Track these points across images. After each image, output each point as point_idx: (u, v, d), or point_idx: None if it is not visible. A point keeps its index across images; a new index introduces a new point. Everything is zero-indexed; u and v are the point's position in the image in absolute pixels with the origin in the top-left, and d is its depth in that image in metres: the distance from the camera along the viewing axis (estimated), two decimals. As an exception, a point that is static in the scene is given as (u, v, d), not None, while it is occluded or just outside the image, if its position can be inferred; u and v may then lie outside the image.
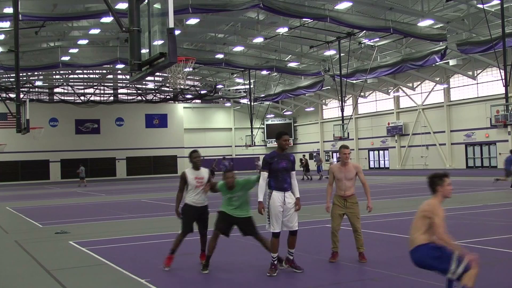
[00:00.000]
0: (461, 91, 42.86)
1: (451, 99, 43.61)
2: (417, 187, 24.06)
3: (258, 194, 7.19)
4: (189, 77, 46.93)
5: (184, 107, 60.22)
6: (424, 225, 5.37)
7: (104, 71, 49.95)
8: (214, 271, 7.68)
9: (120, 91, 55.91)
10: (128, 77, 45.70)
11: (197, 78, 55.29)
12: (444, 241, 5.24)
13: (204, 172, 8.03)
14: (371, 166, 52.25)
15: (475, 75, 40.70)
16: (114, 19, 9.06)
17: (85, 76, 51.79)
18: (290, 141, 7.57)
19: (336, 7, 30.43)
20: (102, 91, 54.28)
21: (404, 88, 47.65)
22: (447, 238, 5.20)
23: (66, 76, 50.74)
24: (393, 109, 49.03)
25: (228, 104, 62.70)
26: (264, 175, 7.21)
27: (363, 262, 7.85)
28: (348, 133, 42.72)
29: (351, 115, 47.29)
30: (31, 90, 50.38)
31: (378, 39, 37.72)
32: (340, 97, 40.09)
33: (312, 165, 45.28)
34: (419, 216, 5.42)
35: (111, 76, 52.99)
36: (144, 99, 54.39)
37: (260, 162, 38.11)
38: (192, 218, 7.91)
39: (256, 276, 7.41)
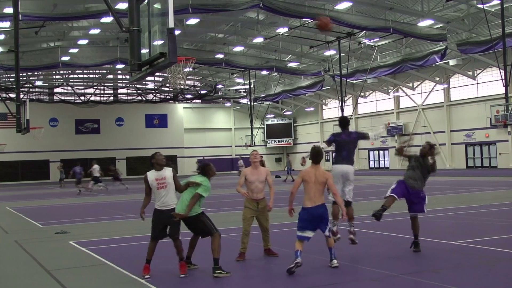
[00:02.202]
0: (461, 91, 42.86)
1: (451, 99, 43.62)
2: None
3: None
4: (189, 77, 46.92)
5: (184, 107, 60.21)
6: (323, 189, 7.38)
7: (104, 71, 49.95)
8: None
9: (120, 91, 55.89)
10: (128, 77, 45.70)
11: (197, 78, 55.29)
12: (337, 195, 7.73)
13: (167, 171, 7.53)
14: (371, 166, 52.25)
15: (475, 75, 40.71)
16: (114, 19, 9.06)
17: (85, 76, 51.79)
18: None
19: (336, 7, 30.45)
20: (102, 91, 54.26)
21: (404, 88, 47.66)
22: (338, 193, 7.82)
23: (66, 76, 50.74)
24: (393, 109, 49.04)
25: (228, 104, 62.70)
26: None
27: (275, 256, 8.34)
28: (348, 133, 42.66)
29: (351, 115, 47.30)
30: (31, 90, 50.34)
31: (378, 39, 37.73)
32: (340, 97, 40.08)
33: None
34: (320, 182, 7.34)
35: (111, 76, 52.98)
36: (144, 99, 54.36)
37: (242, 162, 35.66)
38: (159, 223, 7.45)
39: (256, 275, 7.42)
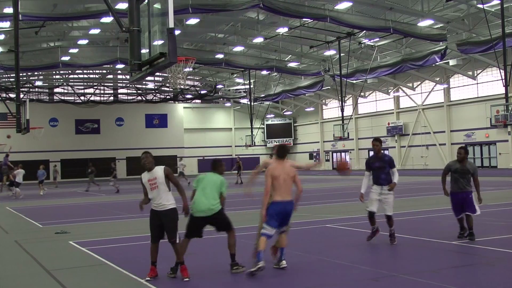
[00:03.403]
0: (461, 91, 42.86)
1: (451, 99, 43.61)
2: (417, 187, 24.03)
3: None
4: (189, 77, 46.93)
5: (184, 107, 60.22)
6: (292, 184, 7.32)
7: (104, 71, 49.94)
8: (212, 271, 7.68)
9: (120, 91, 55.92)
10: (128, 77, 45.70)
11: (197, 78, 55.29)
12: (301, 192, 7.44)
13: (158, 171, 7.33)
14: (371, 166, 52.23)
15: (475, 75, 40.70)
16: (114, 19, 9.07)
17: (85, 76, 51.79)
18: (379, 146, 9.74)
19: (336, 7, 30.43)
20: (102, 91, 54.28)
21: (404, 88, 47.65)
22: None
23: (66, 76, 50.74)
24: (393, 109, 49.03)
25: (228, 104, 62.70)
26: (366, 173, 9.42)
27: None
28: (348, 133, 42.72)
29: (351, 115, 47.29)
30: (31, 90, 50.36)
31: (378, 39, 37.73)
32: (340, 97, 40.09)
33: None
34: (290, 176, 7.32)
35: (111, 76, 52.98)
36: (144, 99, 54.38)
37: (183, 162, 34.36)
38: (154, 224, 7.31)
39: (256, 275, 7.40)
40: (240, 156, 60.49)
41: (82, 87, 52.47)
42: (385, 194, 9.20)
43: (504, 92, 29.77)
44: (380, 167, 9.29)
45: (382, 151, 9.76)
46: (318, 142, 58.69)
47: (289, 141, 62.48)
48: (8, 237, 12.25)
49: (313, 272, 7.36)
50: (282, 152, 7.57)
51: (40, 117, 47.79)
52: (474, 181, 9.49)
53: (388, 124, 49.01)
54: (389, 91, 49.04)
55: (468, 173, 9.41)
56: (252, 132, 51.26)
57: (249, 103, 50.52)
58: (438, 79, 43.79)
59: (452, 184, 9.54)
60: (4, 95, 44.39)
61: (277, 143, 8.24)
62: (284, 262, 7.47)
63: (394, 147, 48.71)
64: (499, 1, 28.18)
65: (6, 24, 29.18)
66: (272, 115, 63.43)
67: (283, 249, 7.50)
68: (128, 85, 52.95)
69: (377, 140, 9.58)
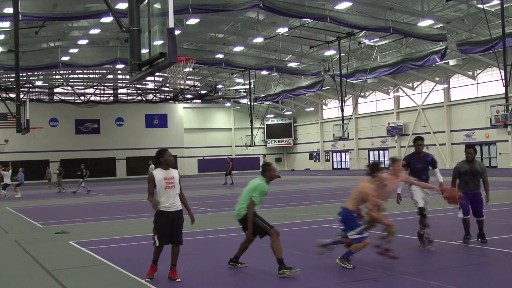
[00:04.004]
0: (461, 91, 42.87)
1: (451, 99, 43.62)
2: (417, 187, 23.98)
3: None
4: (189, 77, 46.92)
5: (184, 107, 60.22)
6: (356, 198, 7.63)
7: (104, 71, 49.96)
8: (211, 271, 7.68)
9: (120, 91, 55.91)
10: (128, 77, 45.70)
11: (197, 78, 55.30)
12: (371, 213, 7.71)
13: (174, 172, 7.21)
14: (371, 166, 52.24)
15: (475, 75, 40.71)
16: (114, 19, 9.07)
17: (85, 76, 51.80)
18: (422, 145, 9.19)
19: (336, 7, 30.45)
20: (102, 91, 54.27)
21: (404, 88, 47.67)
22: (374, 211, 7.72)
23: (66, 76, 50.75)
24: (393, 109, 49.04)
25: (228, 104, 62.71)
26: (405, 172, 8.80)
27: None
28: (348, 133, 42.73)
29: (351, 115, 47.30)
30: (31, 90, 50.34)
31: (378, 39, 37.74)
32: (340, 97, 40.10)
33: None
34: (356, 191, 7.66)
35: (111, 76, 52.99)
36: (144, 99, 54.38)
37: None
38: (167, 226, 7.07)
39: (255, 275, 7.41)
40: (240, 156, 60.91)
41: (82, 87, 52.46)
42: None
43: (504, 92, 29.77)
44: (422, 168, 8.91)
45: (423, 151, 9.22)
46: (318, 142, 58.70)
47: (289, 141, 62.51)
48: (8, 237, 12.25)
49: (313, 272, 7.36)
50: (370, 170, 7.88)
51: (40, 117, 47.78)
52: (484, 182, 9.12)
53: (388, 124, 49.02)
54: (389, 91, 49.05)
55: (478, 174, 9.05)
56: (252, 132, 51.26)
57: (249, 103, 50.54)
58: (438, 79, 43.80)
59: (462, 184, 9.14)
60: (4, 95, 44.38)
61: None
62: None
63: (394, 147, 48.73)
64: (499, 1, 28.19)
65: (6, 24, 29.19)
66: (272, 115, 63.43)
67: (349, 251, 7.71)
68: (128, 85, 52.94)
69: (420, 139, 9.12)
